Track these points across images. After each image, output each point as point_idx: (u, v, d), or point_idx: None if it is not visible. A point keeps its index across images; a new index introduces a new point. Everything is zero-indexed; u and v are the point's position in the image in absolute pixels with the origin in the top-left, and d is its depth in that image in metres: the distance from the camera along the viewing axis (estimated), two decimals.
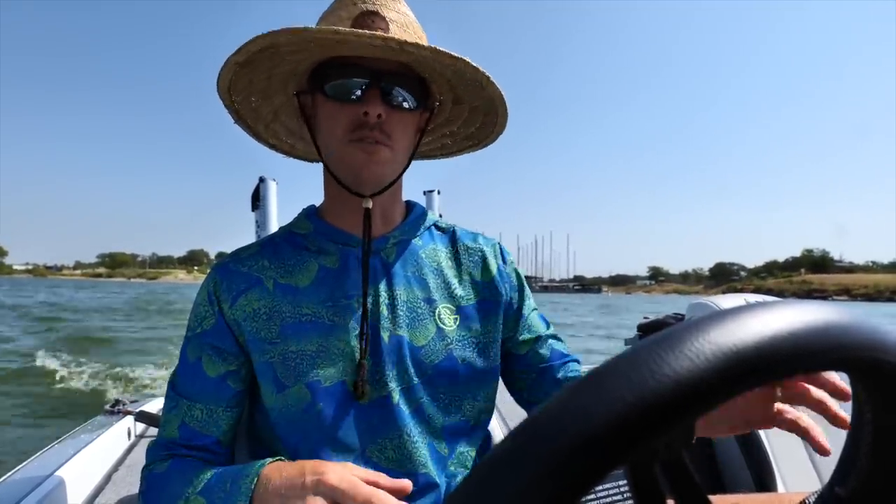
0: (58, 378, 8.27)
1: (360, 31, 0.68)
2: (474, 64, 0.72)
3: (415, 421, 0.78)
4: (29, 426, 5.73)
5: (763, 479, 1.39)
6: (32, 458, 1.41)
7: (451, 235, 0.90)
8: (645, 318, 2.33)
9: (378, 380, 0.77)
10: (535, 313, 0.93)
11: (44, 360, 9.76)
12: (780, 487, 1.34)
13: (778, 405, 0.60)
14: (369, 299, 0.79)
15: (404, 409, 0.77)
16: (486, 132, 0.89)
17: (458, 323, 0.82)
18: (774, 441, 1.42)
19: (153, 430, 1.96)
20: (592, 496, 1.13)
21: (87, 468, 1.45)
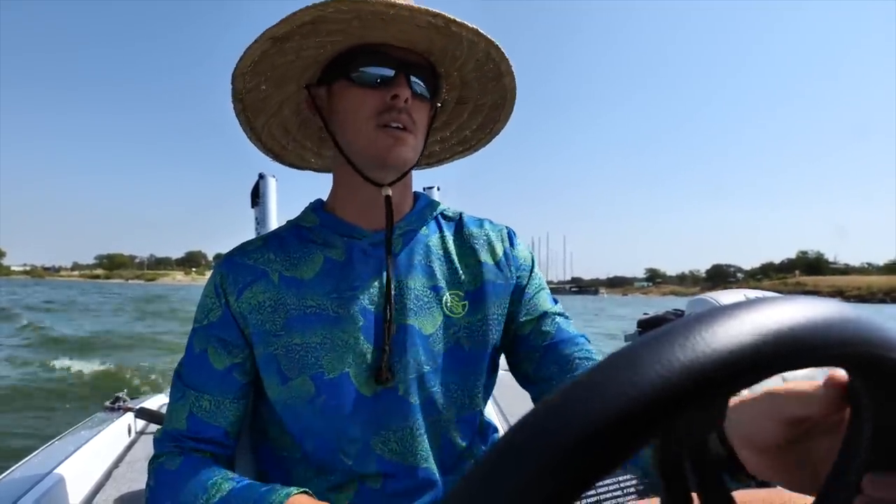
0: None
1: (411, 4, 0.69)
2: (503, 50, 0.74)
3: (421, 412, 0.78)
4: None
5: None
6: (32, 455, 1.41)
7: (457, 222, 0.90)
8: (645, 314, 2.34)
9: (384, 372, 0.76)
10: (544, 293, 0.90)
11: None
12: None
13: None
14: (376, 292, 0.79)
15: (410, 399, 0.77)
16: (483, 133, 0.90)
17: (465, 309, 0.82)
18: None
19: (153, 427, 1.96)
20: (592, 492, 1.14)
21: (87, 465, 1.45)
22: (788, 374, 0.31)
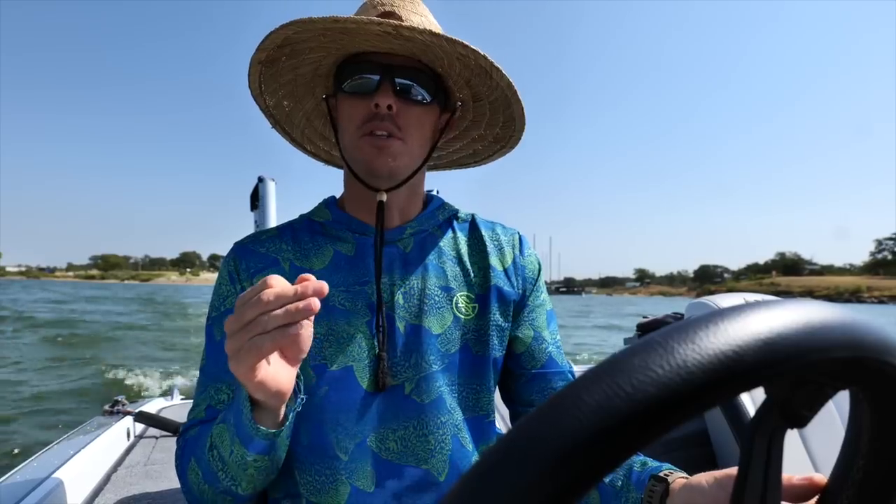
0: None
1: (357, 17, 0.70)
2: (473, 47, 0.72)
3: (422, 413, 0.77)
4: None
5: None
6: (31, 458, 1.40)
7: (469, 224, 0.91)
8: (644, 317, 2.35)
9: (390, 370, 0.77)
10: (542, 309, 0.90)
11: None
12: None
13: None
14: (385, 289, 0.79)
15: (413, 399, 0.77)
16: (510, 130, 0.89)
17: (475, 312, 0.83)
18: None
19: (153, 431, 1.95)
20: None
21: (86, 469, 1.44)
22: None
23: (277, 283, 0.56)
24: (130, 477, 1.55)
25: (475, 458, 0.82)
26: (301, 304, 0.55)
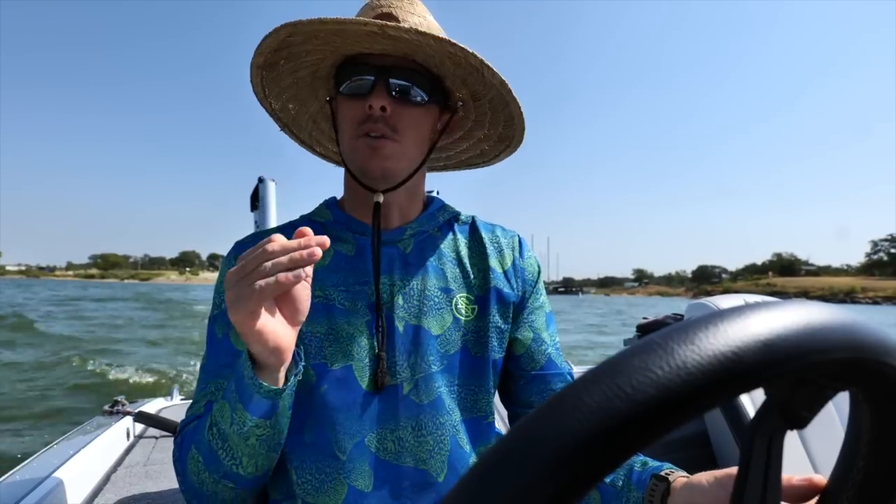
0: None
1: (343, 17, 0.70)
2: (461, 45, 0.71)
3: (421, 414, 0.77)
4: None
5: None
6: (31, 458, 1.40)
7: (470, 227, 0.91)
8: (644, 318, 2.34)
9: (389, 370, 0.77)
10: (542, 311, 0.90)
11: None
12: None
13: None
14: (385, 289, 0.80)
15: (412, 400, 0.77)
16: (512, 129, 0.88)
17: (475, 313, 0.83)
18: None
19: (152, 431, 1.95)
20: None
21: (86, 469, 1.44)
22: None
23: (280, 239, 0.59)
24: (130, 477, 1.55)
25: (473, 458, 0.82)
26: (305, 251, 0.57)
